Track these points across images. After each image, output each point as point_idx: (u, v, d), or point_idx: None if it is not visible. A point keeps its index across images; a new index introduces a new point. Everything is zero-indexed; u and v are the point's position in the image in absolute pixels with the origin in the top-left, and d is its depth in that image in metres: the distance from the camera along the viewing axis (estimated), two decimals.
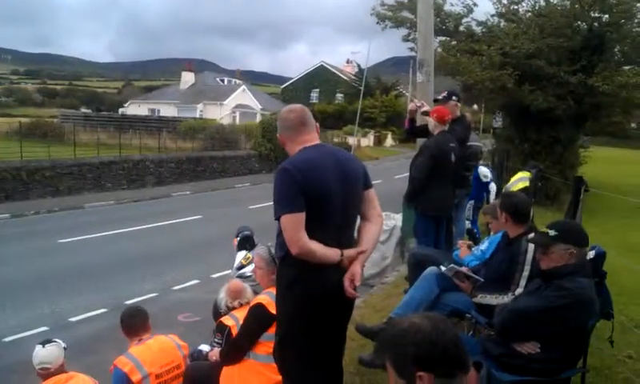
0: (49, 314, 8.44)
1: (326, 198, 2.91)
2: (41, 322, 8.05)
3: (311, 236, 2.85)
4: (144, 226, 15.09)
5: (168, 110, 48.21)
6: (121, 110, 56.34)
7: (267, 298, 3.76)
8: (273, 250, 3.75)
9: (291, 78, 70.84)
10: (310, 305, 2.96)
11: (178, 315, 8.20)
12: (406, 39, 18.83)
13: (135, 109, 52.59)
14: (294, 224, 2.83)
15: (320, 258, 2.87)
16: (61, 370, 3.74)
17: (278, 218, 2.89)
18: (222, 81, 60.49)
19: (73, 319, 8.25)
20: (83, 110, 68.18)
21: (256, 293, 4.43)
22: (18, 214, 16.88)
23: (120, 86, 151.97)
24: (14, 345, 7.33)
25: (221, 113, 45.57)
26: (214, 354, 4.16)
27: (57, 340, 3.90)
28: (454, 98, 6.72)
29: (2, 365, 6.72)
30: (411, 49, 18.43)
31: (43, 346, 3.75)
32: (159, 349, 4.01)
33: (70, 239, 13.34)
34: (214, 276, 9.94)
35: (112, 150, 25.23)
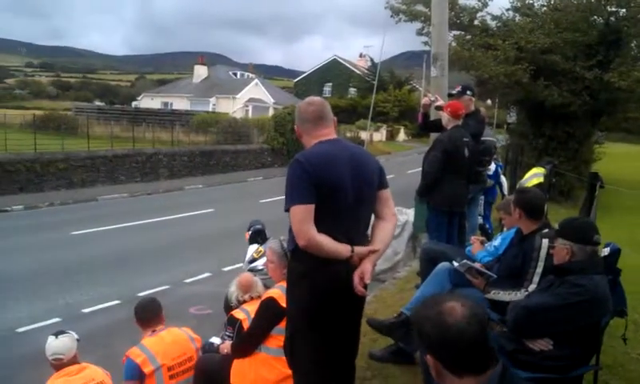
0: (62, 305, 8.51)
1: (337, 192, 2.89)
2: (53, 313, 8.12)
3: (320, 230, 2.82)
4: (157, 219, 15.17)
5: (181, 104, 48.36)
6: (134, 103, 56.62)
7: (279, 292, 3.76)
8: (285, 244, 3.75)
9: (304, 72, 70.75)
10: (318, 299, 2.94)
11: (189, 308, 8.23)
12: (420, 33, 18.70)
13: (148, 102, 52.85)
14: (303, 215, 2.80)
15: (328, 252, 2.85)
16: (74, 360, 3.76)
17: (287, 209, 2.87)
18: (235, 74, 60.54)
19: (85, 311, 8.31)
20: (97, 102, 68.58)
21: (267, 286, 4.44)
22: (31, 205, 17.04)
23: (133, 79, 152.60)
24: (26, 335, 7.39)
25: (233, 106, 45.65)
26: (226, 346, 4.17)
27: (69, 331, 3.92)
28: (468, 92, 6.67)
29: (15, 355, 6.79)
30: (425, 43, 18.31)
31: (56, 337, 3.77)
32: (172, 341, 4.03)
33: (83, 231, 13.43)
34: (226, 269, 9.96)
35: (125, 143, 25.39)
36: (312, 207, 2.81)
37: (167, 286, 9.34)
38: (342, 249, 2.88)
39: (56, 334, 3.81)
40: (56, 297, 8.82)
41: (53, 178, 19.83)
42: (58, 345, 3.74)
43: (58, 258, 11.13)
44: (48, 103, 76.15)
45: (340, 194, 2.90)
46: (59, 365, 3.71)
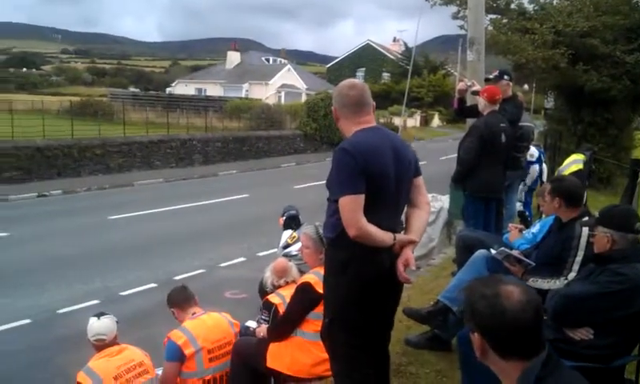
0: (100, 288, 8.71)
1: (382, 181, 2.86)
2: (92, 295, 8.32)
3: (367, 219, 2.80)
4: (192, 204, 15.36)
5: (214, 90, 48.69)
6: (168, 90, 57.10)
7: (315, 278, 3.78)
8: (320, 230, 3.75)
9: (336, 57, 70.41)
10: (362, 288, 2.92)
11: (224, 292, 8.34)
12: (455, 17, 18.39)
13: (182, 88, 53.31)
14: (354, 206, 2.77)
15: (376, 241, 2.82)
16: (114, 341, 3.84)
17: (335, 200, 2.84)
18: (268, 60, 60.65)
19: (123, 293, 8.49)
20: (132, 89, 69.36)
21: (301, 272, 4.46)
22: (69, 190, 17.41)
23: (167, 65, 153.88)
24: (67, 317, 7.61)
25: (266, 92, 45.74)
26: (262, 330, 4.20)
27: (109, 313, 4.00)
28: (505, 77, 6.55)
29: (56, 335, 7.00)
30: (461, 27, 17.99)
31: (98, 319, 3.85)
32: (213, 325, 4.12)
33: (120, 216, 13.69)
34: (260, 254, 10.05)
35: (160, 129, 25.72)
36: (362, 197, 2.77)
37: (202, 270, 9.47)
38: (387, 237, 2.86)
39: (98, 316, 3.89)
40: (94, 280, 9.02)
41: (90, 163, 20.22)
42: (100, 326, 3.82)
43: (95, 241, 11.37)
44: (84, 89, 77.11)
45: (385, 184, 2.87)
46: (101, 345, 3.79)
